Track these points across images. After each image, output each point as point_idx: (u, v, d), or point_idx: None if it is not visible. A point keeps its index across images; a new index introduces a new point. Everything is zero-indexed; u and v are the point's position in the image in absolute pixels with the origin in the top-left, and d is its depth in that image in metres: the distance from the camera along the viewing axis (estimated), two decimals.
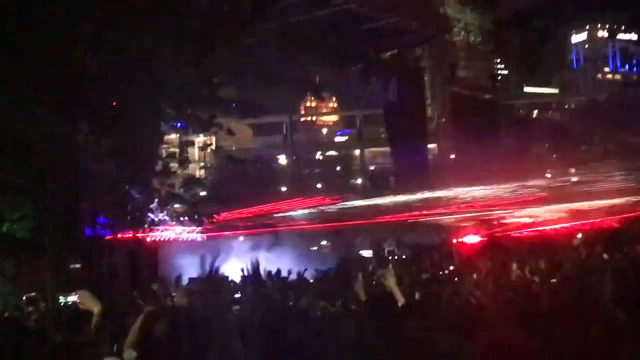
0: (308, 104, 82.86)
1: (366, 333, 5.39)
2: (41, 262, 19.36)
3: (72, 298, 14.62)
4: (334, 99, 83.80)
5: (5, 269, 19.49)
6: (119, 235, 23.05)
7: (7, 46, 16.45)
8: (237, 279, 19.49)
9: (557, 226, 32.90)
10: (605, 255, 13.83)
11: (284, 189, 58.18)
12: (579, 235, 35.67)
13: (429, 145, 42.88)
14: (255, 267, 5.69)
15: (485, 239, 33.22)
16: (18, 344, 7.76)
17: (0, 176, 17.16)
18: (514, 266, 14.71)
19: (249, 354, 3.70)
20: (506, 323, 4.83)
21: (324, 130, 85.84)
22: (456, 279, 12.06)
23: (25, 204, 17.60)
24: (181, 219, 23.70)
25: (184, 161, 25.10)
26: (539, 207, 33.52)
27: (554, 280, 12.21)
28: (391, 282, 8.18)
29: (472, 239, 33.79)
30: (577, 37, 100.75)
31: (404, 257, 37.51)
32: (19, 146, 16.70)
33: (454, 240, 34.40)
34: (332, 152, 75.32)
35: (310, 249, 36.76)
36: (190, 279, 20.23)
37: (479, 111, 38.09)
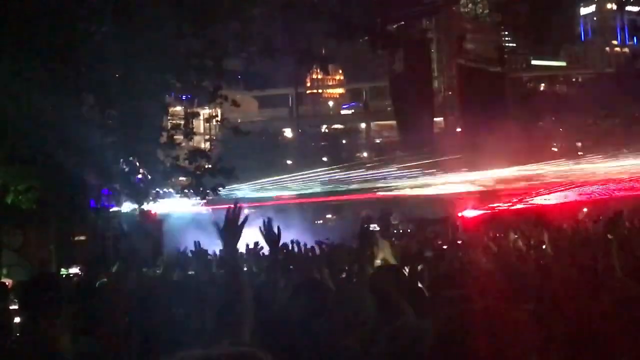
0: (314, 76, 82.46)
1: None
2: (47, 234, 19.39)
3: (74, 270, 14.61)
4: (340, 71, 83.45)
5: (10, 241, 19.51)
6: (124, 208, 23.10)
7: (9, 16, 16.33)
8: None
9: (562, 201, 32.86)
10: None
11: (289, 162, 58.16)
12: (585, 210, 35.74)
13: (436, 118, 42.72)
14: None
15: (487, 212, 33.26)
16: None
17: (4, 147, 17.11)
18: (512, 237, 14.68)
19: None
20: (492, 292, 4.73)
21: (330, 103, 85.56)
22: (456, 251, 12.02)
23: (30, 175, 17.56)
24: (186, 191, 23.65)
25: (189, 133, 25.03)
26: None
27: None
28: (387, 253, 8.18)
29: (473, 212, 33.81)
30: (586, 10, 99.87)
31: (408, 230, 37.60)
32: (23, 117, 16.62)
33: (458, 214, 34.45)
34: (338, 125, 75.11)
35: (315, 222, 36.84)
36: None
37: (486, 84, 37.91)
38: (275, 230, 3.61)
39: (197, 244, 11.55)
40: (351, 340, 3.95)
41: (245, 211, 3.89)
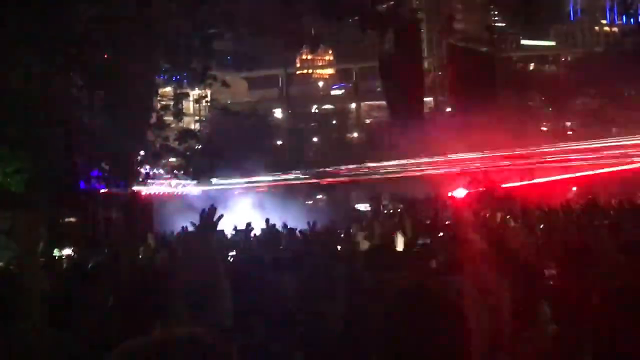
0: (304, 57, 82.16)
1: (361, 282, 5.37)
2: (36, 216, 19.32)
3: (66, 252, 14.59)
4: (330, 51, 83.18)
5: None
6: (114, 190, 23.05)
7: None
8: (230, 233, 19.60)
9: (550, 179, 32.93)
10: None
11: (279, 142, 58.09)
12: (574, 189, 35.87)
13: (425, 98, 42.69)
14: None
15: (475, 191, 33.31)
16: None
17: None
18: (499, 216, 14.74)
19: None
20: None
21: (320, 84, 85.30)
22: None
23: (20, 157, 17.48)
24: (175, 172, 23.63)
25: (179, 114, 24.97)
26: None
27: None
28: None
29: (461, 192, 33.88)
30: None
31: (398, 210, 37.68)
32: (13, 98, 16.54)
33: (448, 194, 34.51)
34: (328, 106, 75.00)
35: (306, 202, 36.85)
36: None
37: (475, 64, 37.84)
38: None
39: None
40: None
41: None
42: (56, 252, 13.73)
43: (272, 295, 5.16)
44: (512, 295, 3.84)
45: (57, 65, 18.05)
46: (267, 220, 18.29)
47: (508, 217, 15.13)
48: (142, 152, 22.41)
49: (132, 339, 1.89)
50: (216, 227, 3.99)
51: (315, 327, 4.92)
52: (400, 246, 8.88)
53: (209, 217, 3.95)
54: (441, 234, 12.40)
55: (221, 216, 4.01)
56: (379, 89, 49.95)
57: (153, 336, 1.90)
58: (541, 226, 13.41)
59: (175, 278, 5.15)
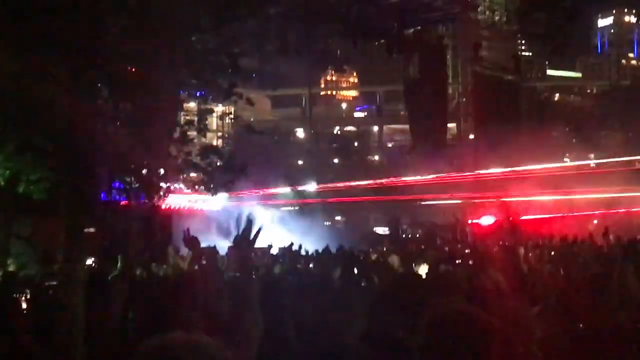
0: (328, 78, 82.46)
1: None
2: (56, 224, 19.42)
3: (88, 262, 14.60)
4: (354, 73, 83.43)
5: (20, 230, 19.57)
6: (134, 202, 23.13)
7: (28, 10, 16.40)
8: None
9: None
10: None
11: (300, 162, 58.18)
12: (595, 222, 35.53)
13: (449, 124, 42.60)
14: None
15: (499, 220, 33.05)
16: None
17: (18, 137, 17.17)
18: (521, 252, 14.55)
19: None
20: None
21: (343, 105, 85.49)
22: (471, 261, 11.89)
23: (42, 165, 17.59)
24: (197, 187, 23.68)
25: (202, 129, 25.07)
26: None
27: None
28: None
29: (487, 220, 33.63)
30: (603, 21, 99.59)
31: (417, 235, 37.50)
32: (38, 108, 16.68)
33: (469, 221, 34.29)
34: (351, 128, 75.07)
35: (325, 223, 36.80)
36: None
37: (500, 92, 37.66)
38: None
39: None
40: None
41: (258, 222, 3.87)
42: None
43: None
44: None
45: (83, 77, 18.20)
46: (291, 245, 18.27)
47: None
48: (164, 166, 22.48)
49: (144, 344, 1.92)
50: (254, 242, 3.74)
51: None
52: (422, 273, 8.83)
53: (245, 230, 3.70)
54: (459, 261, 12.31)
55: (259, 230, 3.76)
56: (402, 113, 49.98)
57: (159, 341, 1.92)
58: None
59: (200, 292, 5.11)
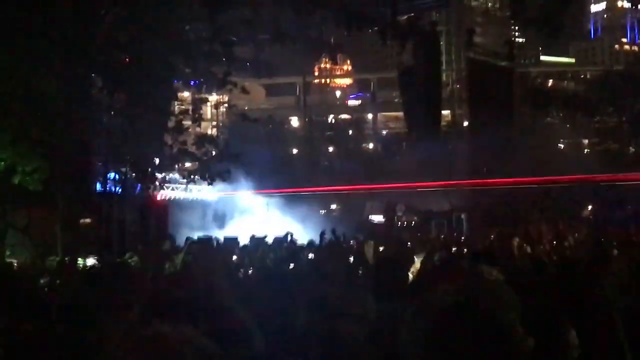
0: (322, 66, 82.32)
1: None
2: (52, 215, 19.41)
3: (91, 261, 14.55)
4: (348, 61, 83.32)
5: (15, 221, 19.56)
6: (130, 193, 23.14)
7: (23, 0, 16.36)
8: (246, 239, 19.59)
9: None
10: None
11: (295, 150, 58.15)
12: (589, 207, 35.72)
13: (443, 111, 42.61)
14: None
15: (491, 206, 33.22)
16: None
17: (13, 128, 17.12)
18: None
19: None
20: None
21: (337, 93, 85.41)
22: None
23: (38, 156, 17.55)
24: (192, 177, 23.65)
25: (197, 119, 25.04)
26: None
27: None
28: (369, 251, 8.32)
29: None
30: (596, 7, 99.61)
31: (412, 223, 37.60)
32: (33, 98, 16.64)
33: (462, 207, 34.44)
34: (345, 115, 75.02)
35: (320, 211, 36.83)
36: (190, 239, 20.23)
37: (494, 78, 37.69)
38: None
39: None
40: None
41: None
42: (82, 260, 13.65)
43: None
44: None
45: (77, 67, 18.14)
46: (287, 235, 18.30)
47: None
48: (159, 156, 22.47)
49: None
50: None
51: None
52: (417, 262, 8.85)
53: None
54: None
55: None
56: (396, 100, 49.99)
57: (144, 333, 1.94)
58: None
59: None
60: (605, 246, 11.62)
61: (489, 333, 2.11)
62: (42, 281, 8.83)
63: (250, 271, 10.74)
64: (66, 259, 13.42)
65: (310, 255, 13.35)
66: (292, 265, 10.46)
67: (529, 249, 13.04)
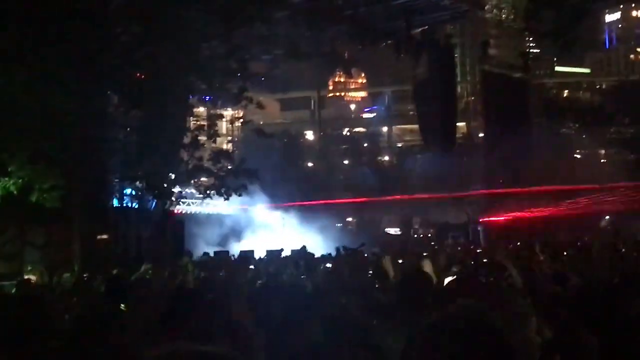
0: (337, 79, 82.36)
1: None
2: (70, 232, 19.52)
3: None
4: (362, 74, 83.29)
5: (34, 239, 19.68)
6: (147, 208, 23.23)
7: (37, 17, 16.49)
8: (262, 252, 19.61)
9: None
10: None
11: (310, 164, 58.13)
12: (607, 217, 35.41)
13: (458, 123, 42.51)
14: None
15: (510, 217, 33.04)
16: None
17: (30, 146, 17.25)
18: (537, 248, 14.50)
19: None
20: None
21: (352, 106, 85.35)
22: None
23: (55, 174, 17.67)
24: (208, 192, 23.70)
25: (213, 134, 25.14)
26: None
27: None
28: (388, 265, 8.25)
29: (496, 218, 33.62)
30: (611, 17, 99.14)
31: (429, 235, 37.45)
32: (50, 117, 16.76)
33: (480, 220, 34.24)
34: (360, 129, 74.94)
35: (336, 224, 36.74)
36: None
37: (509, 90, 37.62)
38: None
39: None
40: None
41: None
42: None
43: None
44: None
45: (94, 84, 18.28)
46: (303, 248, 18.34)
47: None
48: (175, 172, 22.56)
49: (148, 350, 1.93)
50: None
51: None
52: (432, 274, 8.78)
53: None
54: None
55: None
56: (411, 113, 49.91)
57: (169, 349, 1.94)
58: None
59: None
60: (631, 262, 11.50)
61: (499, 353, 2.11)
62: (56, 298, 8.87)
63: (263, 283, 10.75)
64: (84, 275, 13.51)
65: (328, 265, 13.34)
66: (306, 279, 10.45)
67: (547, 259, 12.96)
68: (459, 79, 44.28)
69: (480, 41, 42.99)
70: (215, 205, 27.76)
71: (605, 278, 7.68)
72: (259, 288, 9.09)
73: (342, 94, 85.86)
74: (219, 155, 24.29)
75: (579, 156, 55.76)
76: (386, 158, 64.97)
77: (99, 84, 18.54)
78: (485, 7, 44.50)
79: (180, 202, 24.97)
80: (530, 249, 14.81)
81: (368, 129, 73.22)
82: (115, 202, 22.92)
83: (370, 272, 11.38)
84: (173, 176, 22.70)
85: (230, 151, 32.57)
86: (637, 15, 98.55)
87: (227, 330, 3.24)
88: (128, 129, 20.99)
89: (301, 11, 24.86)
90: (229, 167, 23.74)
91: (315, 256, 17.19)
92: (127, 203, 23.32)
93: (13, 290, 10.99)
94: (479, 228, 33.62)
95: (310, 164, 58.28)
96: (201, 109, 26.79)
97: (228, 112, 32.21)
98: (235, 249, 24.28)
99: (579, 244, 18.93)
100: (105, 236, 21.53)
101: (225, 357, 1.93)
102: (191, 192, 26.04)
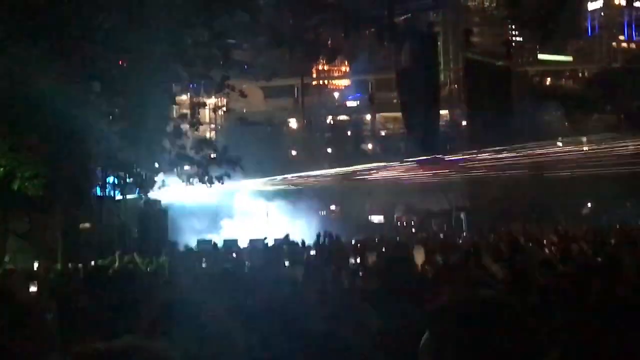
0: (320, 67, 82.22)
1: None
2: (52, 220, 19.48)
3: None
4: (346, 62, 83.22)
5: (16, 226, 19.62)
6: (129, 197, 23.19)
7: (20, 6, 16.39)
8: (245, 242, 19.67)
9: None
10: None
11: (294, 152, 58.09)
12: (589, 205, 35.73)
13: (441, 111, 42.57)
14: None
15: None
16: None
17: (12, 134, 17.18)
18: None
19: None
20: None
21: (336, 94, 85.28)
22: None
23: (37, 162, 17.61)
24: (191, 180, 23.65)
25: (195, 123, 25.07)
26: None
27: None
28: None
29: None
30: (593, 5, 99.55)
31: (412, 222, 37.64)
32: (31, 105, 16.69)
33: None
34: (343, 117, 74.91)
35: (320, 213, 36.81)
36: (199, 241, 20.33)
37: (492, 77, 37.72)
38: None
39: None
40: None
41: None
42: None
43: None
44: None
45: (75, 72, 18.19)
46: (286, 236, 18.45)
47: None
48: (158, 160, 22.49)
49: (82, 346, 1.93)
50: None
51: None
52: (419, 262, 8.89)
53: None
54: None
55: None
56: (394, 101, 49.95)
57: (104, 345, 1.94)
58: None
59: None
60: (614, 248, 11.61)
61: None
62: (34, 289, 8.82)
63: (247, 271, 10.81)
64: (69, 265, 13.50)
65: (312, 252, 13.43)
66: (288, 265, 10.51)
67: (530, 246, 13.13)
68: (442, 66, 44.25)
69: (463, 29, 43.01)
70: (199, 194, 27.75)
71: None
72: (240, 279, 9.15)
73: (326, 82, 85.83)
74: (202, 143, 24.24)
75: (560, 144, 56.05)
76: (370, 146, 65.04)
77: (80, 71, 18.44)
78: None
79: (164, 191, 24.91)
80: (512, 237, 14.98)
81: (351, 117, 73.19)
82: (98, 191, 22.83)
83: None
84: (156, 165, 22.64)
85: (213, 139, 32.50)
86: (619, 3, 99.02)
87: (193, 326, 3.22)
88: (110, 117, 20.88)
89: None
90: (212, 156, 23.68)
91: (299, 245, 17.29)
92: (109, 192, 23.25)
93: None
94: (461, 216, 33.81)
95: (294, 152, 58.23)
96: (184, 97, 26.69)
97: (211, 100, 32.11)
98: (219, 237, 24.31)
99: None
100: (87, 225, 21.48)
101: (159, 350, 1.93)
102: (174, 181, 26.00)
